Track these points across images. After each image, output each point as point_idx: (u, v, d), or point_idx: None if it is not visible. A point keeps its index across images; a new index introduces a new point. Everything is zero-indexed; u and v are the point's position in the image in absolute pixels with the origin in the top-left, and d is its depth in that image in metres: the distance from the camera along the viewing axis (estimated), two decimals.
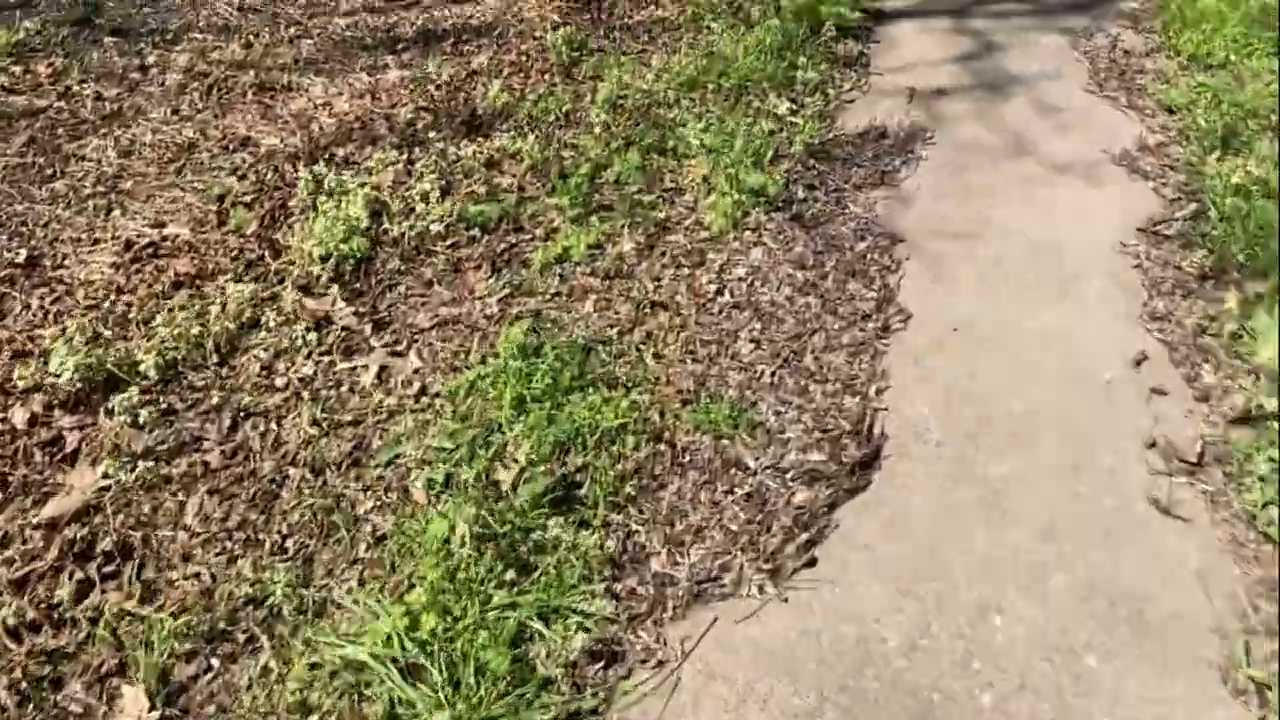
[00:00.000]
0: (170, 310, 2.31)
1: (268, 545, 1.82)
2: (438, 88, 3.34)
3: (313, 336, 2.26)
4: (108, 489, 1.91)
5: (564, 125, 3.13)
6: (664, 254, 2.59)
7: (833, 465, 1.99)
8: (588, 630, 1.65)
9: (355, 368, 2.21)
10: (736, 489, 1.94)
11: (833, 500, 1.92)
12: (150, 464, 1.94)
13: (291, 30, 3.78)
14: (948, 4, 4.20)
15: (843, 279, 2.53)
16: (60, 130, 3.09)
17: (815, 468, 1.99)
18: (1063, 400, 2.16)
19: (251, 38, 3.70)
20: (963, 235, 2.73)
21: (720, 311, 2.40)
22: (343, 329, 2.30)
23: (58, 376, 2.11)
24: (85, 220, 2.69)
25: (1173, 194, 2.85)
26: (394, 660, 1.57)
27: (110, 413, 2.06)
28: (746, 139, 2.96)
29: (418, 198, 2.70)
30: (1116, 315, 2.41)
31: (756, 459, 2.00)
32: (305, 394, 2.13)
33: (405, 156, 2.90)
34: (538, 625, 1.64)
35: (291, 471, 1.96)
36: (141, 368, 2.14)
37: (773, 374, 2.22)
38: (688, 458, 2.00)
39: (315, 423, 2.06)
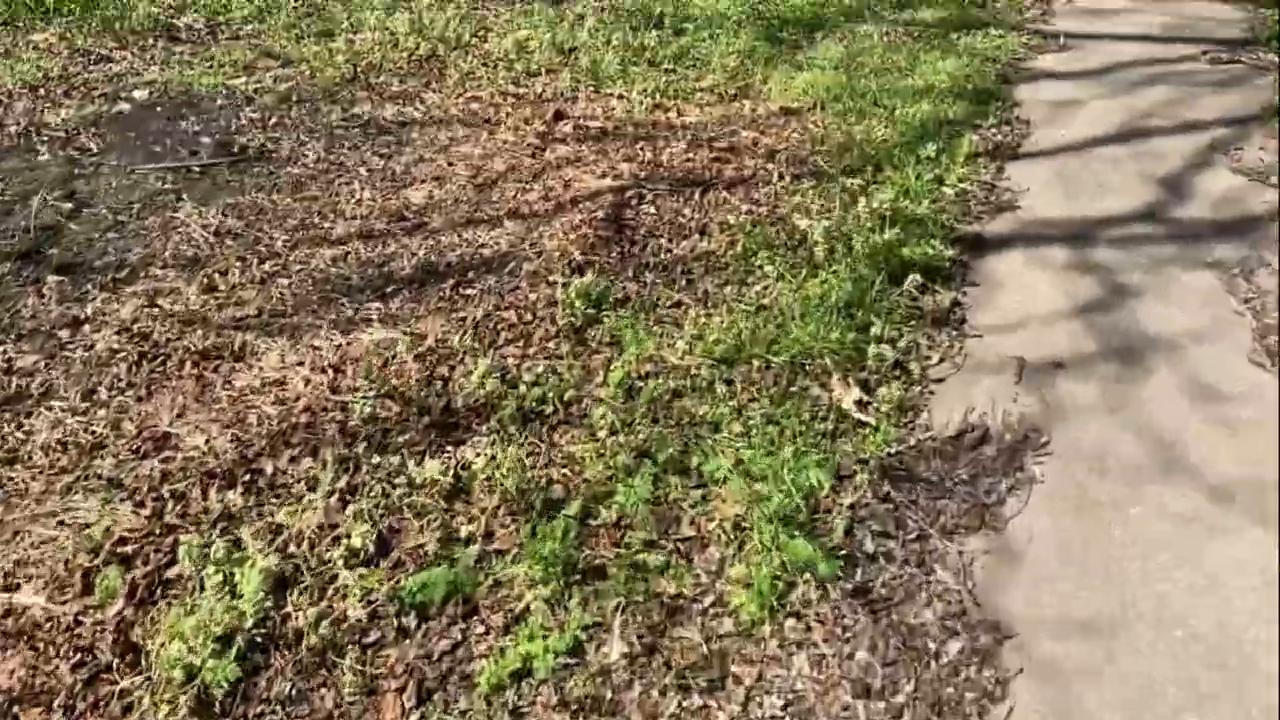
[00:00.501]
0: None
1: None
2: (415, 357, 2.68)
3: None
4: None
5: (562, 423, 2.43)
6: (667, 664, 1.84)
7: None
8: None
9: None
10: None
11: None
12: None
13: (266, 265, 3.19)
14: (1063, 226, 3.44)
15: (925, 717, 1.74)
16: None
17: None
18: None
19: (217, 276, 3.12)
20: (1094, 629, 1.92)
21: None
22: None
23: None
24: None
25: None
26: None
27: None
28: (797, 455, 2.22)
29: (341, 561, 2.00)
30: None
31: None
32: None
33: (345, 482, 2.22)
34: None
35: None
36: None
37: None
38: None
39: None
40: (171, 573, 2.01)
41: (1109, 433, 2.45)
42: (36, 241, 3.30)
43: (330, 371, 2.66)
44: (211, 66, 4.62)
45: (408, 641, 1.88)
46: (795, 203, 3.42)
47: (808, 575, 1.99)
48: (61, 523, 2.19)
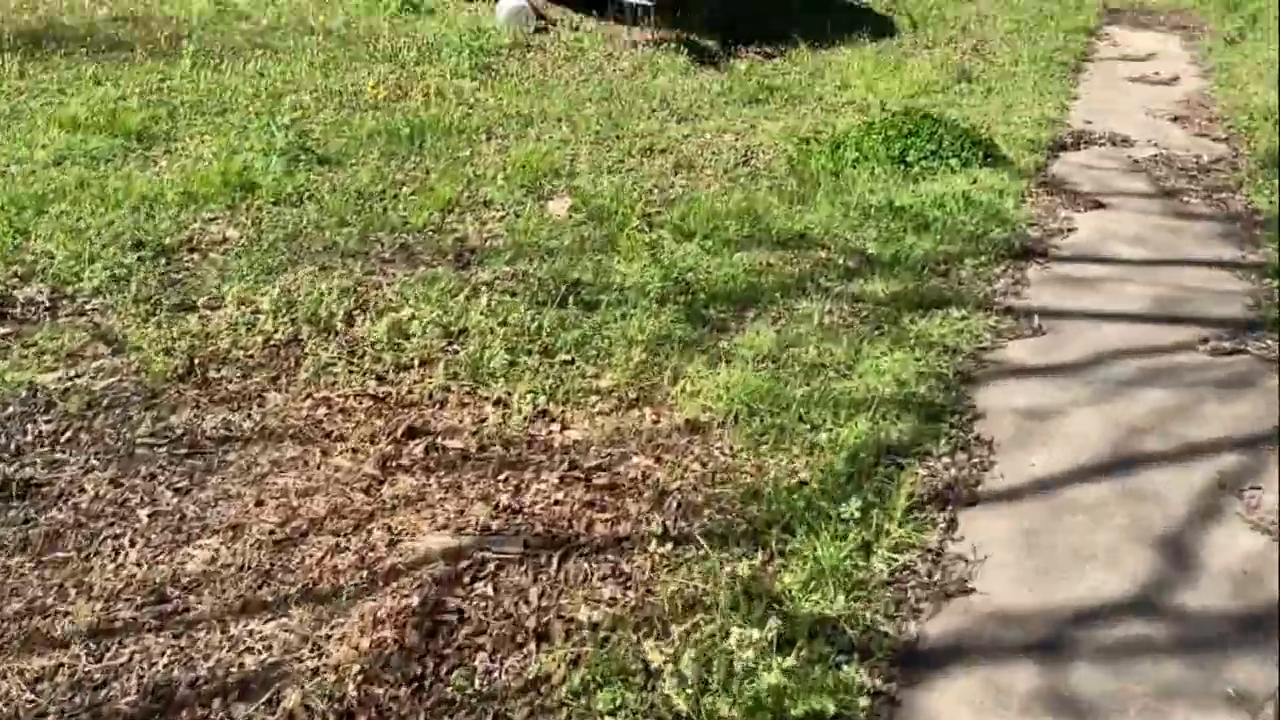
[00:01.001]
0: None
1: None
2: None
3: None
4: None
5: None
6: None
7: None
8: None
9: None
10: None
11: None
12: None
13: None
14: (1031, 626, 2.58)
15: None
16: None
17: None
18: None
19: None
20: None
21: None
22: None
23: None
24: None
25: None
26: None
27: None
28: None
29: None
30: None
31: None
32: None
33: None
34: None
35: None
36: None
37: None
38: None
39: None
40: None
41: None
42: None
43: None
44: (29, 355, 3.91)
45: None
46: (671, 591, 2.59)
47: None
48: None
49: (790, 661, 2.21)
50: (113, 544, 2.88)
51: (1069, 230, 5.27)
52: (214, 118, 6.93)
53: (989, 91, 8.10)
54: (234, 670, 2.40)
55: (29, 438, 3.39)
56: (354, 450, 3.34)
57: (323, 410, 3.60)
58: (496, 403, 3.62)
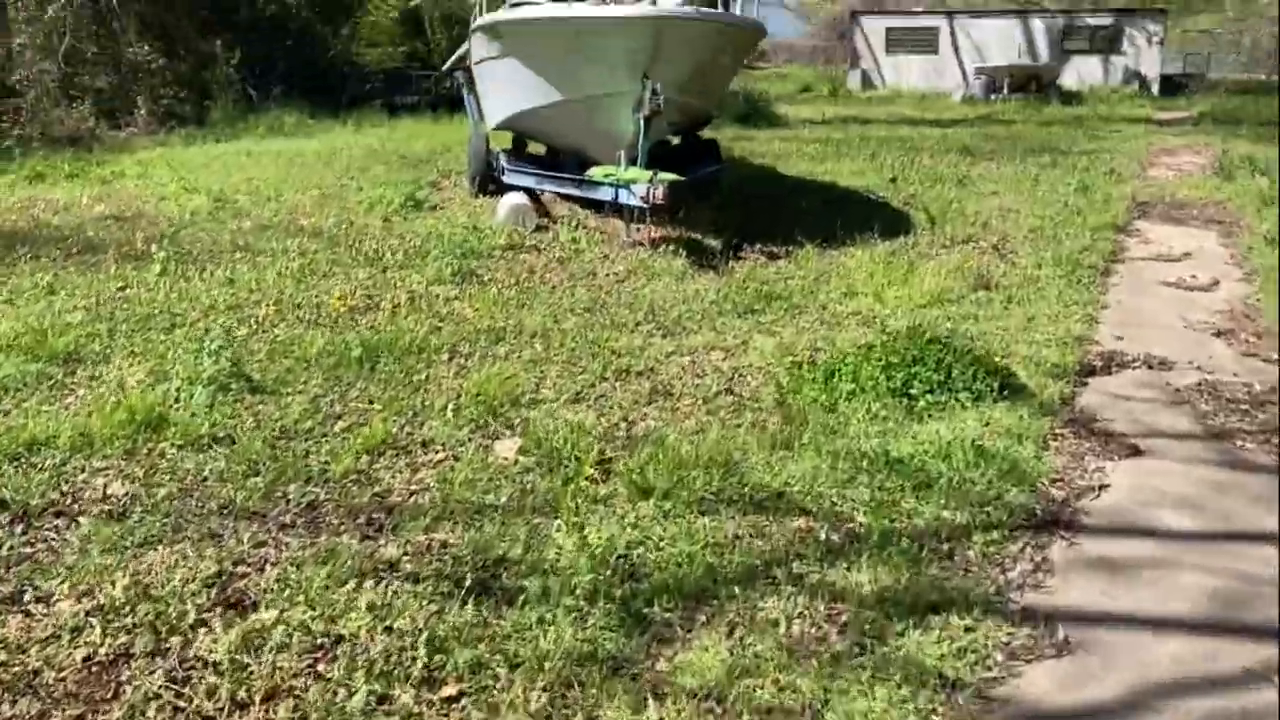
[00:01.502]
0: None
1: None
2: None
3: None
4: None
5: None
6: None
7: None
8: None
9: None
10: None
11: None
12: None
13: None
14: None
15: None
16: None
17: None
18: None
19: None
20: None
21: None
22: None
23: None
24: None
25: None
26: None
27: None
28: None
29: None
30: None
31: None
32: None
33: None
34: None
35: None
36: None
37: None
38: None
39: None
40: None
41: None
42: None
43: None
44: None
45: None
46: None
47: None
48: None
49: None
50: None
51: (1101, 488, 4.42)
52: (159, 335, 6.37)
53: (1009, 301, 7.38)
54: None
55: None
56: None
57: None
58: None
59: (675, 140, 12.17)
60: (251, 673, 3.08)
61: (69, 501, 4.28)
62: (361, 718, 2.88)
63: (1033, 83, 29.36)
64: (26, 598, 3.51)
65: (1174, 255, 9.06)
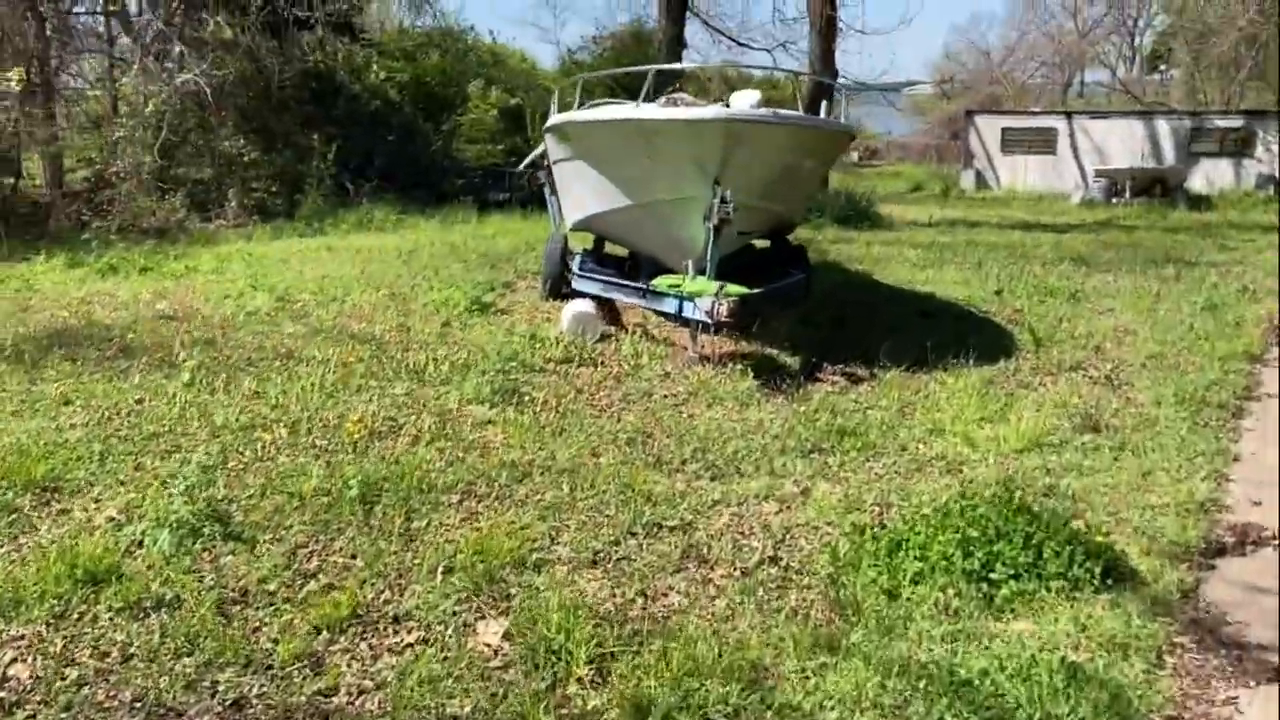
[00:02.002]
0: None
1: None
2: None
3: None
4: None
5: None
6: None
7: None
8: None
9: None
10: None
11: None
12: None
13: None
14: None
15: None
16: None
17: None
18: None
19: None
20: None
21: None
22: None
23: None
24: None
25: None
26: None
27: None
28: None
29: None
30: None
31: None
32: None
33: None
34: None
35: None
36: None
37: None
38: None
39: None
40: None
41: None
42: None
43: None
44: None
45: None
46: None
47: None
48: None
49: None
50: None
51: None
52: (155, 461, 5.79)
53: (1120, 448, 6.32)
54: None
55: None
56: None
57: None
58: None
59: (762, 243, 11.44)
60: None
61: None
62: None
63: (1157, 186, 27.88)
64: None
65: None
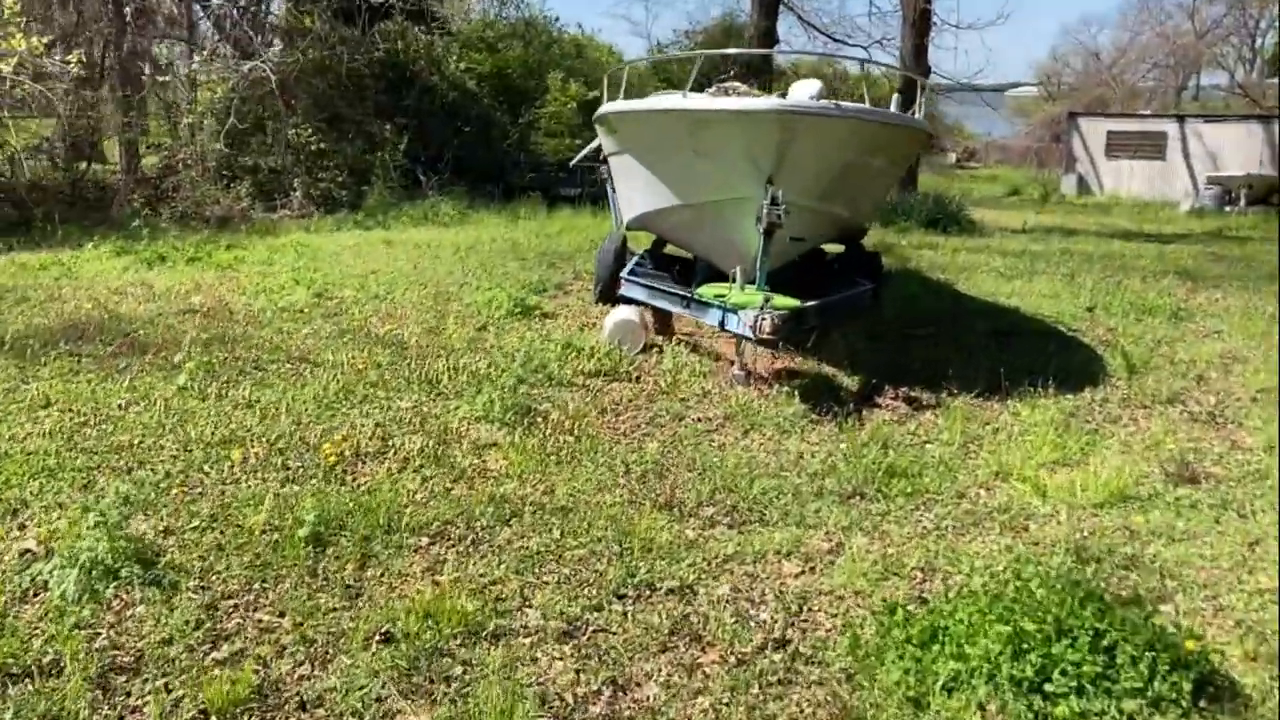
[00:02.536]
0: None
1: None
2: None
3: None
4: None
5: None
6: None
7: None
8: None
9: None
10: None
11: None
12: None
13: None
14: None
15: None
16: None
17: None
18: None
19: None
20: None
21: None
22: None
23: None
24: None
25: None
26: None
27: None
28: None
29: None
30: None
31: None
32: None
33: None
34: None
35: None
36: None
37: None
38: None
39: None
40: None
41: None
42: None
43: None
44: None
45: None
46: None
47: None
48: None
49: None
50: None
51: None
52: (109, 480, 5.16)
53: (1223, 507, 5.31)
54: None
55: None
56: None
57: None
58: None
59: (837, 248, 10.52)
60: None
61: None
62: None
63: (1275, 195, 25.98)
64: None
65: None
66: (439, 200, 18.48)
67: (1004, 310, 11.06)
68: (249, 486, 5.22)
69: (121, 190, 16.39)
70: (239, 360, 7.76)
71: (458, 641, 3.85)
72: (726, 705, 3.50)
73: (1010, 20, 63.86)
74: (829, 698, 3.56)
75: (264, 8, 18.64)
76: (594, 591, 4.32)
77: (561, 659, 3.80)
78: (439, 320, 9.54)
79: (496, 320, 9.68)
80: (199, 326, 8.82)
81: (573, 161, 15.47)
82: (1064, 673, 3.44)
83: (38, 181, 16.01)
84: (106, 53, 17.98)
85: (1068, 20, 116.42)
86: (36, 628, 3.78)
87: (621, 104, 8.95)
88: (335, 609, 4.06)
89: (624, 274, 9.71)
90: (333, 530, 4.68)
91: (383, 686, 3.55)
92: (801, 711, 3.47)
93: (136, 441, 5.86)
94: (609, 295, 10.16)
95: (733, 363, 7.88)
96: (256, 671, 3.54)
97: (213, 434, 5.98)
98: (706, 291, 8.02)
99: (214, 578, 4.27)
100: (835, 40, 28.28)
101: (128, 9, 18.06)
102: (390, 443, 5.99)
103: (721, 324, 7.73)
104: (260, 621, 3.96)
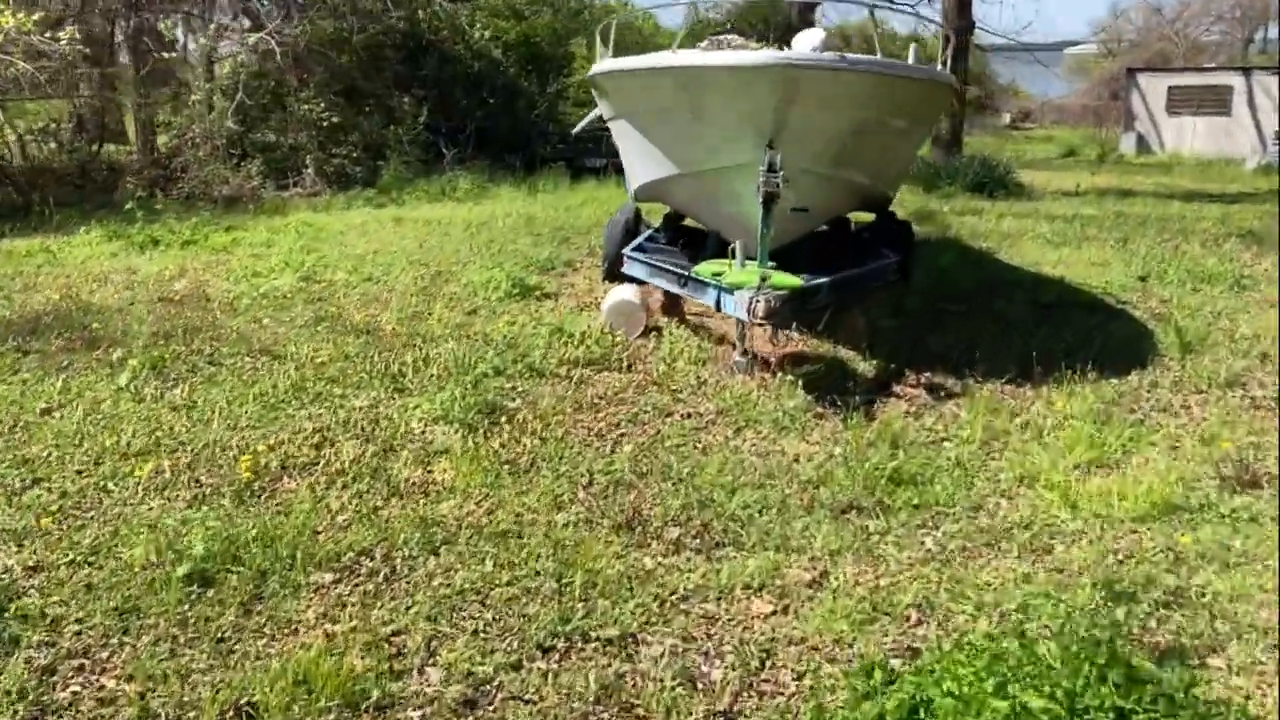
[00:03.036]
0: None
1: None
2: None
3: None
4: None
5: None
6: None
7: None
8: None
9: None
10: None
11: None
12: None
13: None
14: None
15: None
16: None
17: None
18: None
19: None
20: None
21: None
22: None
23: None
24: None
25: None
26: None
27: None
28: None
29: None
30: None
31: None
32: None
33: None
34: None
35: None
36: None
37: None
38: None
39: None
40: None
41: None
42: None
43: None
44: None
45: None
46: None
47: None
48: None
49: None
50: None
51: None
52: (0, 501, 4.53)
53: None
54: None
55: None
56: None
57: None
58: None
59: (867, 216, 9.66)
60: None
61: None
62: None
63: None
64: None
65: None
66: (456, 175, 17.76)
67: (1047, 281, 10.11)
68: (147, 509, 4.56)
69: (128, 172, 15.88)
70: (194, 354, 7.12)
71: (330, 716, 3.13)
72: None
73: None
74: None
75: None
76: (515, 644, 3.59)
77: None
78: (427, 304, 8.84)
79: (491, 303, 8.96)
80: (165, 316, 8.21)
81: (574, 130, 14.66)
82: None
83: (42, 164, 15.54)
84: (115, 27, 17.45)
85: None
86: None
87: (609, 63, 8.14)
88: (196, 671, 3.38)
89: (628, 250, 8.93)
90: (222, 565, 3.99)
91: None
92: None
93: (44, 455, 5.23)
94: (615, 272, 9.40)
95: (734, 347, 7.08)
96: None
97: (130, 444, 5.34)
98: (703, 269, 7.23)
99: (67, 629, 3.61)
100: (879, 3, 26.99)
101: None
102: (324, 451, 5.29)
103: (718, 305, 6.94)
104: (102, 689, 3.29)
